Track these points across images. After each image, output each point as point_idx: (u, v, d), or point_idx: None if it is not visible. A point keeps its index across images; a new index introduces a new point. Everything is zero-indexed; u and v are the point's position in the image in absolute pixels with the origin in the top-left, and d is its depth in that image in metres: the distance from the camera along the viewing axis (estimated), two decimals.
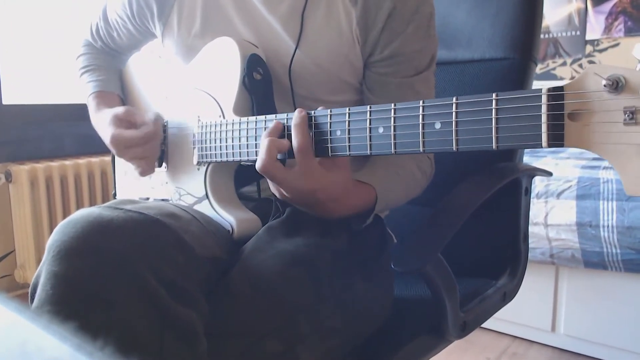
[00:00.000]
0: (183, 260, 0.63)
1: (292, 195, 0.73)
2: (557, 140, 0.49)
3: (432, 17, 0.86)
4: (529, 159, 2.23)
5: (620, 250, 1.63)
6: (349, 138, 0.67)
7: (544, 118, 0.49)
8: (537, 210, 1.79)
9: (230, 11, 0.91)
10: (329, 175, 0.71)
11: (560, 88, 0.49)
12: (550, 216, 1.77)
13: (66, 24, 2.35)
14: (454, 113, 0.56)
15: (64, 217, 2.12)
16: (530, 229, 1.75)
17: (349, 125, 0.66)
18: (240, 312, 0.67)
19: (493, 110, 0.53)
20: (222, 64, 0.87)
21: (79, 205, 2.22)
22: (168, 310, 0.58)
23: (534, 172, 1.09)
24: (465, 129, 0.55)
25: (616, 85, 0.46)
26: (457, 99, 0.56)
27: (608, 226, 1.65)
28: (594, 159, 2.15)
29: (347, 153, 0.67)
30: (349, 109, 0.67)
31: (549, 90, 0.50)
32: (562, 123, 0.49)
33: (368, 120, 0.64)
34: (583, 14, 3.00)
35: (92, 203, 2.27)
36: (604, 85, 0.47)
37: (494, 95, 0.53)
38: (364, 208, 0.79)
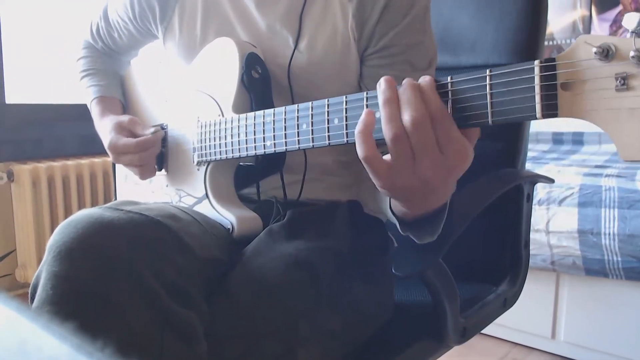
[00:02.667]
0: (183, 261, 0.63)
1: (439, 175, 0.57)
2: (551, 110, 0.50)
3: (427, 11, 0.86)
4: (531, 165, 2.23)
5: (621, 258, 1.63)
6: (346, 125, 0.66)
7: (537, 89, 0.50)
8: (538, 217, 1.79)
9: (229, 14, 0.91)
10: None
11: (552, 59, 0.50)
12: (552, 223, 1.76)
13: (69, 24, 2.36)
14: (449, 92, 0.56)
15: (66, 217, 2.12)
16: (532, 235, 1.74)
17: (346, 112, 0.66)
18: (240, 314, 0.67)
19: (487, 85, 0.53)
20: (221, 64, 0.87)
21: (81, 206, 2.22)
22: (168, 311, 0.58)
23: (536, 178, 1.09)
24: (460, 107, 0.56)
25: (607, 53, 0.47)
26: (451, 78, 0.56)
27: (609, 234, 1.65)
28: (597, 166, 2.15)
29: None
30: (346, 97, 0.66)
31: (542, 61, 0.50)
32: (555, 93, 0.50)
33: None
34: (587, 21, 3.01)
35: (94, 203, 2.27)
36: (595, 54, 0.47)
37: (487, 71, 0.53)
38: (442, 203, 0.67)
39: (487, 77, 0.53)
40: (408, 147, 0.55)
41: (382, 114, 0.57)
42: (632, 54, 0.45)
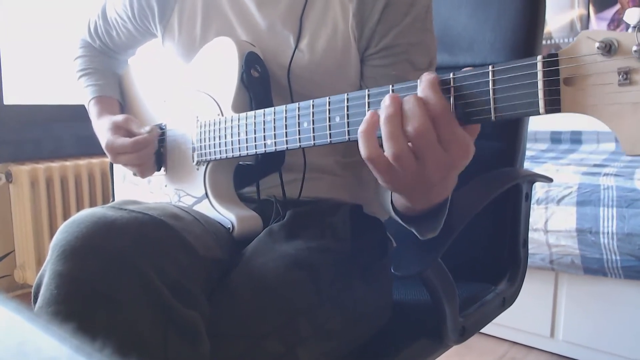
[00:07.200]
0: (186, 261, 0.63)
1: (442, 173, 0.58)
2: (554, 105, 0.50)
3: (429, 10, 0.86)
4: (529, 164, 2.23)
5: (620, 257, 1.63)
6: (348, 123, 0.66)
7: (540, 85, 0.50)
8: (537, 216, 1.79)
9: (229, 14, 0.91)
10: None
11: (555, 55, 0.50)
12: (550, 222, 1.77)
13: (67, 25, 2.36)
14: (452, 88, 0.56)
15: (64, 218, 2.12)
16: (530, 234, 1.75)
17: (347, 110, 0.66)
18: (241, 313, 0.67)
19: (490, 81, 0.53)
20: (220, 63, 0.87)
21: (79, 206, 2.22)
22: (172, 310, 0.58)
23: (535, 178, 1.09)
24: (463, 103, 0.56)
25: (609, 48, 0.47)
26: (454, 74, 0.56)
27: (608, 233, 1.65)
28: (595, 165, 2.15)
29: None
30: (348, 95, 0.66)
31: (544, 57, 0.50)
32: (558, 88, 0.50)
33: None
34: (585, 20, 3.01)
35: (92, 204, 2.27)
36: (597, 49, 0.47)
37: (490, 67, 0.53)
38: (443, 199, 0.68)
39: (490, 73, 0.53)
40: (411, 157, 0.56)
41: (383, 131, 0.57)
42: (634, 48, 0.45)
